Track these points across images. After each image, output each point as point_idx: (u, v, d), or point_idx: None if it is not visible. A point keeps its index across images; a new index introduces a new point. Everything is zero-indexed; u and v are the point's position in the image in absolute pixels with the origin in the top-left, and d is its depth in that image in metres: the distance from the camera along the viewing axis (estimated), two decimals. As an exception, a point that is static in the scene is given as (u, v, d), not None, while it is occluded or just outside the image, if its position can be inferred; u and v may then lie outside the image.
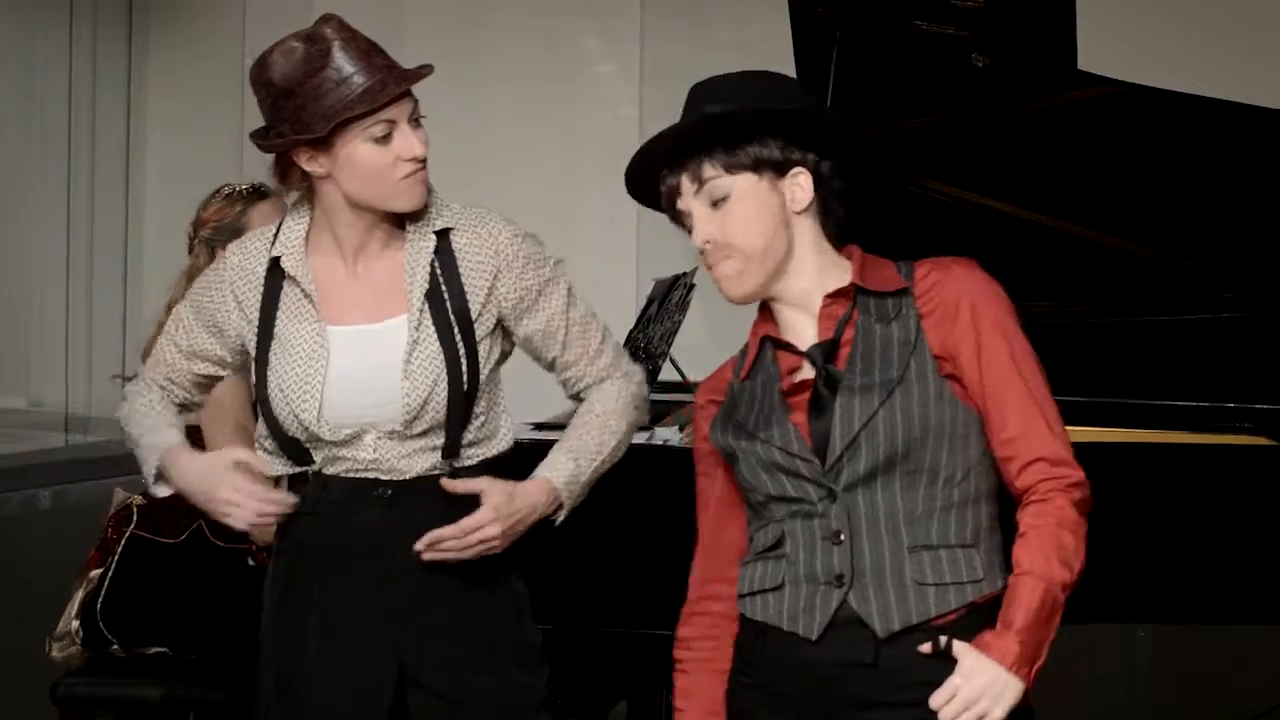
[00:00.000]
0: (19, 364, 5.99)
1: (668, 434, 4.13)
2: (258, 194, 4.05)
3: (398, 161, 2.87)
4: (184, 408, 3.12)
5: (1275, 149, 4.39)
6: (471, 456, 2.96)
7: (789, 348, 2.69)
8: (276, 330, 2.94)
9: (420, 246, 2.95)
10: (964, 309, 2.63)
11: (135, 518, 3.99)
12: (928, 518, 2.60)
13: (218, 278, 3.02)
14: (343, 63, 2.84)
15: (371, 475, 2.93)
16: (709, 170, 2.63)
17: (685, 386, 4.78)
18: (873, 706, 2.59)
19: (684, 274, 4.78)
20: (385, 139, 2.86)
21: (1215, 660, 5.37)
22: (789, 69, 4.68)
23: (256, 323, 2.95)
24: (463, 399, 2.92)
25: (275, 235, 2.98)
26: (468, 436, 2.95)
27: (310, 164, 2.89)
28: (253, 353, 2.96)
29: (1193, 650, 5.44)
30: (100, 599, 3.96)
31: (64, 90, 6.00)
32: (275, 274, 2.96)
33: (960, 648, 2.54)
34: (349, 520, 2.93)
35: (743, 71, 2.71)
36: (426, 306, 2.92)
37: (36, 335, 5.99)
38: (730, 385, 2.74)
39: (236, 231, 3.92)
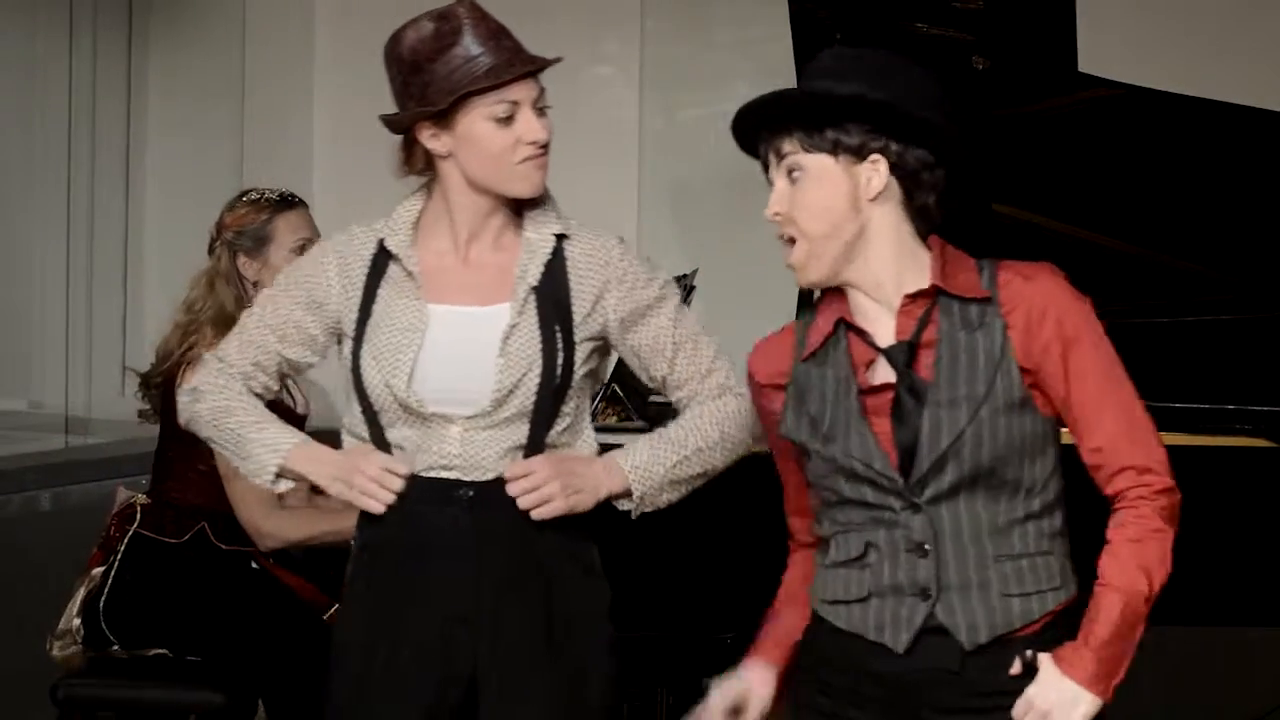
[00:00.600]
0: (19, 365, 5.98)
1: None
2: (285, 203, 4.05)
3: (518, 144, 2.91)
4: (259, 399, 3.09)
5: (1275, 150, 4.40)
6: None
7: (865, 337, 2.67)
8: (375, 308, 2.96)
9: (538, 244, 2.98)
10: (1050, 319, 2.62)
11: (139, 517, 4.00)
12: (1009, 528, 2.62)
13: (321, 253, 3.04)
14: (471, 41, 2.89)
15: (454, 475, 2.92)
16: (788, 146, 2.64)
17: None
18: (957, 713, 2.61)
19: (684, 275, 4.78)
20: (507, 120, 2.90)
21: (1216, 662, 5.37)
22: (789, 71, 4.68)
23: (358, 300, 2.97)
24: (552, 392, 2.93)
25: (385, 224, 3.01)
26: (550, 436, 2.95)
27: (432, 141, 2.92)
28: (350, 330, 2.97)
29: (1193, 651, 5.43)
30: (102, 597, 3.97)
31: (64, 92, 6.00)
32: (381, 256, 2.98)
33: (1042, 660, 2.57)
34: (429, 522, 2.93)
35: (866, 49, 2.70)
36: (532, 298, 2.94)
37: (36, 337, 5.98)
38: (795, 367, 2.72)
39: (260, 238, 3.94)
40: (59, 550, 4.59)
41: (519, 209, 2.99)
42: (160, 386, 4.13)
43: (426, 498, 2.93)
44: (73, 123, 6.03)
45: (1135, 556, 2.59)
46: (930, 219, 2.69)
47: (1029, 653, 2.58)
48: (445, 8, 2.94)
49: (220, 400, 3.03)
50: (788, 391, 2.71)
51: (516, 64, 2.90)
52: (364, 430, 2.97)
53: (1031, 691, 2.55)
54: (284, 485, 3.02)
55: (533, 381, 2.91)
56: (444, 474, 2.93)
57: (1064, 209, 4.49)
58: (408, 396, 2.90)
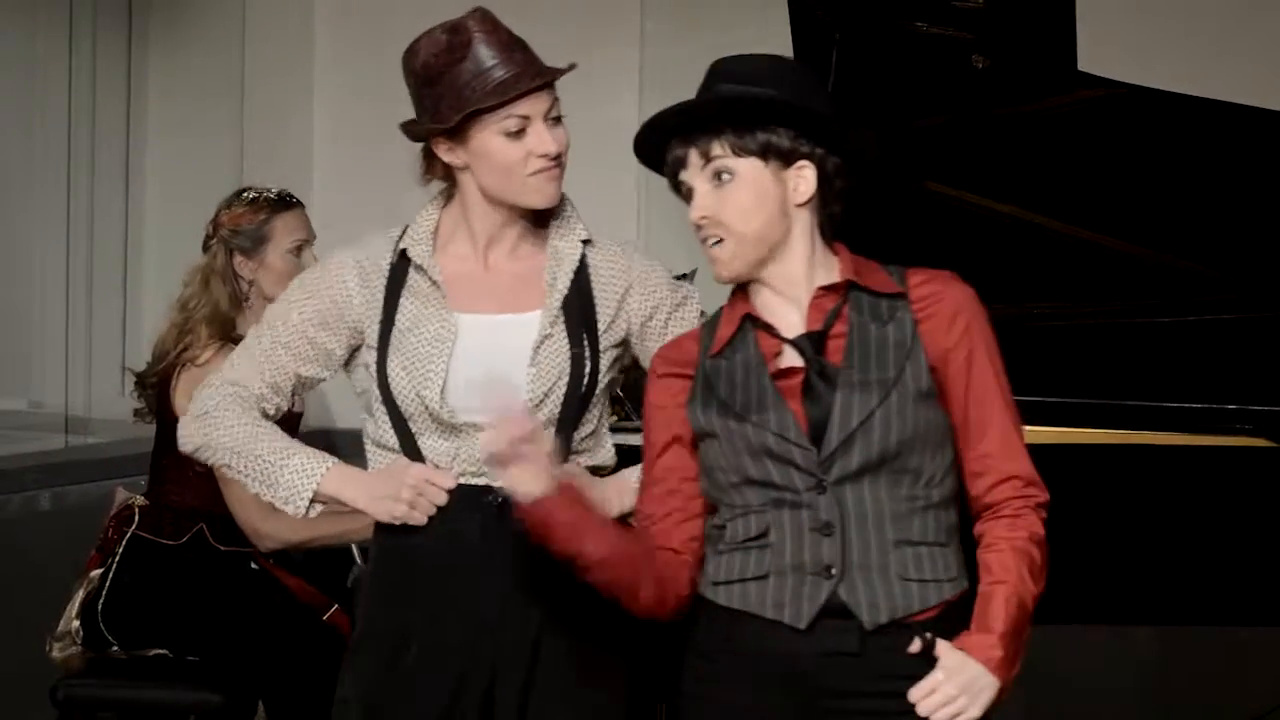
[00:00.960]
0: (19, 365, 5.98)
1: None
2: (283, 203, 4.04)
3: (529, 157, 2.91)
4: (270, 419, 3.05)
5: (1275, 149, 4.40)
6: (578, 464, 2.98)
7: (771, 330, 2.72)
8: (399, 317, 2.94)
9: (566, 252, 2.98)
10: (960, 322, 2.69)
11: (137, 518, 4.00)
12: (910, 516, 2.66)
13: (338, 266, 3.00)
14: (483, 55, 2.90)
15: (483, 481, 2.92)
16: (717, 149, 2.68)
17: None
18: (854, 696, 2.64)
19: (685, 275, 4.78)
20: (519, 134, 2.89)
21: (1215, 662, 5.37)
22: (789, 70, 4.68)
23: (380, 310, 2.95)
24: (579, 400, 2.94)
25: (402, 233, 3.00)
26: (574, 443, 2.96)
27: (448, 155, 2.92)
28: (372, 341, 2.95)
29: (1193, 651, 5.44)
30: (101, 599, 3.96)
31: (63, 92, 6.00)
32: (401, 265, 2.97)
33: (944, 646, 2.61)
34: (456, 528, 2.92)
35: (771, 56, 2.77)
36: (561, 307, 2.94)
37: (36, 337, 5.98)
38: (701, 361, 2.76)
39: (257, 238, 3.93)
40: (59, 550, 4.59)
41: (538, 217, 3.00)
42: (156, 386, 4.13)
43: (456, 504, 2.93)
44: (72, 122, 6.03)
45: (1024, 559, 2.66)
46: (835, 224, 2.78)
47: (928, 635, 2.62)
48: (458, 20, 2.94)
49: (240, 429, 2.97)
50: (695, 381, 2.76)
51: (524, 78, 2.89)
52: (393, 440, 2.95)
53: (938, 675, 2.59)
54: (316, 511, 2.99)
55: (561, 390, 2.93)
56: (474, 480, 2.93)
57: (1064, 208, 4.48)
58: (440, 407, 2.90)
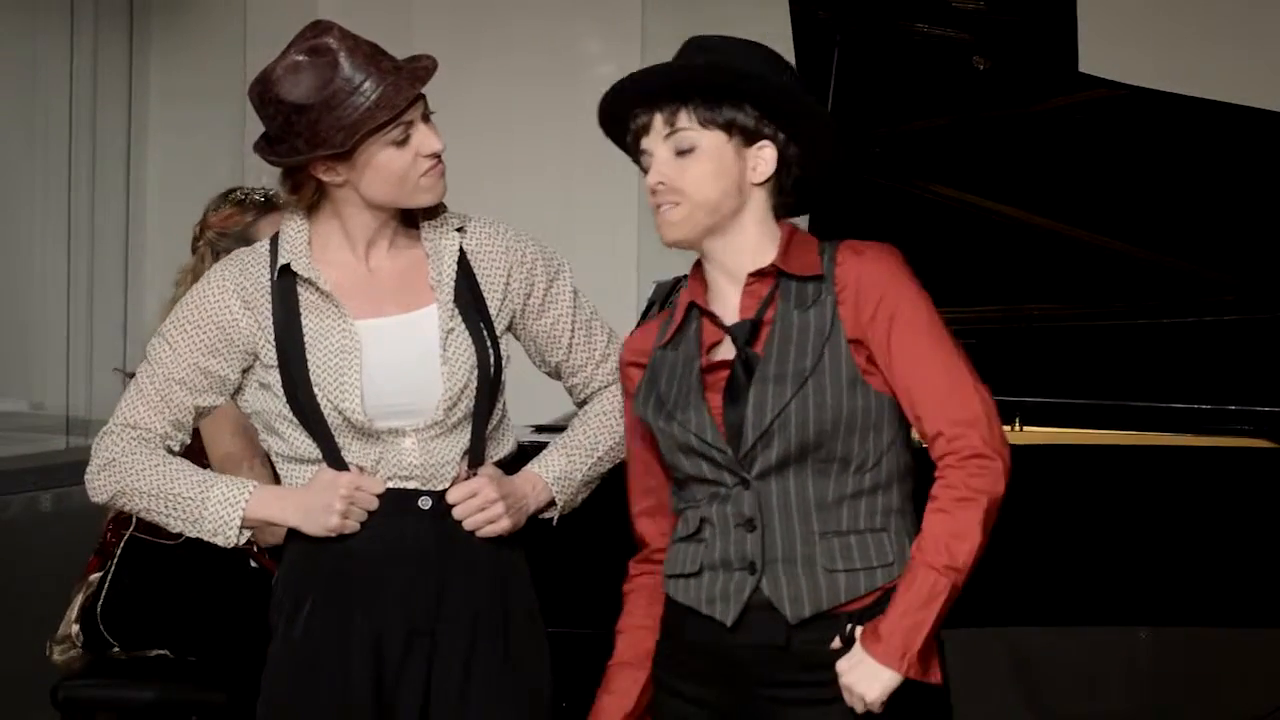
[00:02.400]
0: (20, 367, 5.98)
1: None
2: (270, 205, 4.02)
3: (417, 159, 2.88)
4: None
5: (1275, 150, 4.40)
6: (487, 456, 2.97)
7: (715, 319, 2.74)
8: (298, 333, 2.91)
9: (443, 242, 2.96)
10: (872, 295, 2.68)
11: (134, 520, 3.99)
12: (838, 505, 2.67)
13: (217, 291, 2.94)
14: (352, 72, 2.84)
15: (412, 485, 2.92)
16: (683, 119, 2.69)
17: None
18: (787, 685, 2.66)
19: (685, 276, 4.77)
20: (404, 140, 2.87)
21: (1215, 662, 5.37)
22: (790, 71, 4.68)
23: (271, 329, 2.91)
24: (490, 390, 2.93)
25: (273, 246, 2.96)
26: (485, 434, 2.96)
27: (328, 174, 2.88)
28: (270, 360, 2.91)
29: (1193, 651, 5.43)
30: (100, 602, 3.96)
31: (65, 92, 6.00)
32: (284, 280, 2.93)
33: (858, 635, 2.62)
34: (387, 532, 2.91)
35: (746, 39, 2.80)
36: (453, 299, 2.93)
37: (37, 338, 5.98)
38: (654, 352, 2.80)
39: (244, 239, 3.90)
40: (60, 551, 4.59)
41: (407, 212, 2.97)
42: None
43: (385, 509, 2.91)
44: (74, 124, 6.03)
45: (941, 526, 2.61)
46: (788, 208, 2.78)
47: (849, 627, 2.62)
48: (313, 40, 2.86)
49: (151, 471, 2.92)
50: (645, 373, 2.80)
51: (404, 87, 2.84)
52: (314, 452, 2.91)
53: (840, 665, 2.61)
54: (245, 537, 2.95)
55: (474, 383, 2.92)
56: (404, 484, 2.92)
57: (1065, 210, 4.49)
58: (361, 417, 2.88)
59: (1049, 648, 5.38)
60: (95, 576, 4.02)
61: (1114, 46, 4.94)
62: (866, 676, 2.59)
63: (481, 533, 2.92)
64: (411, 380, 2.90)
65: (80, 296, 6.06)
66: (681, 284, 4.70)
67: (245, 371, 2.95)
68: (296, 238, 2.95)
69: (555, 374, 3.09)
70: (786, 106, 2.72)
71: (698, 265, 2.82)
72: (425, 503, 2.92)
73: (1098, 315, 4.59)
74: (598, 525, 3.28)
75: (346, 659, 2.90)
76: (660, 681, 2.79)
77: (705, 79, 2.70)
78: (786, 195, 2.77)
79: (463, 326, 2.93)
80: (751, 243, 2.74)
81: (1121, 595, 3.91)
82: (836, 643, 2.63)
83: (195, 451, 3.80)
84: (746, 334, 2.70)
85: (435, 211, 2.97)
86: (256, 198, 4.06)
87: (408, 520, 2.91)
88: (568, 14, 6.04)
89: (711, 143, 2.70)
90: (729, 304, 2.75)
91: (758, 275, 2.73)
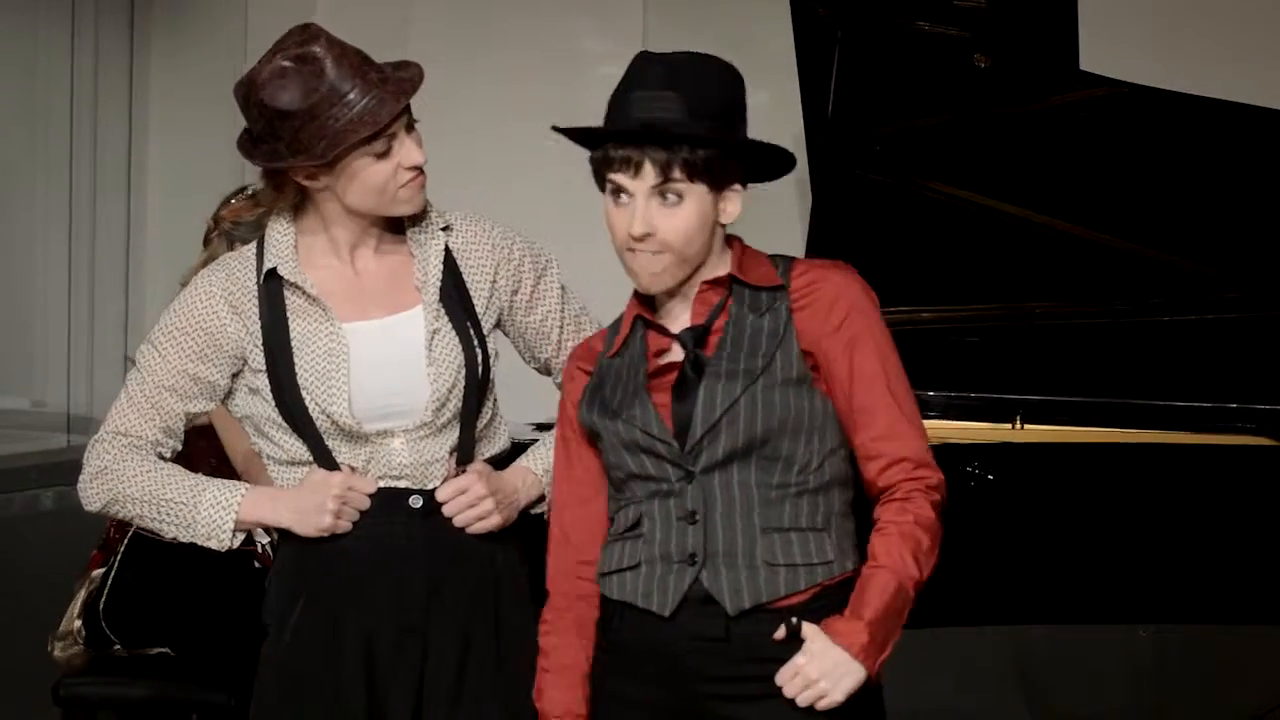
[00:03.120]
0: (21, 364, 5.98)
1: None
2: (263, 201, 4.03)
3: (399, 170, 2.88)
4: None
5: (1275, 149, 4.40)
6: (479, 454, 2.98)
7: (660, 329, 2.77)
8: (285, 337, 2.91)
9: (428, 242, 2.96)
10: (837, 311, 2.72)
11: (136, 518, 3.99)
12: (780, 502, 2.69)
13: (205, 297, 2.95)
14: (338, 81, 2.83)
15: (403, 484, 2.92)
16: (677, 171, 2.69)
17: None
18: (725, 680, 2.67)
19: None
20: (386, 152, 2.86)
21: (1215, 660, 5.37)
22: (790, 69, 4.68)
23: (260, 333, 2.92)
24: (478, 389, 2.94)
25: (259, 250, 2.96)
26: (476, 433, 2.96)
27: (309, 180, 2.88)
28: (259, 365, 2.92)
29: (1193, 650, 5.44)
30: (103, 598, 3.96)
31: (66, 90, 6.00)
32: (271, 284, 2.93)
33: (809, 630, 2.64)
34: (379, 531, 2.91)
35: (691, 56, 2.75)
36: (439, 299, 2.93)
37: (39, 335, 5.98)
38: (599, 359, 2.82)
39: (258, 229, 3.90)
40: (61, 549, 4.59)
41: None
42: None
43: (377, 508, 2.92)
44: (75, 121, 6.03)
45: (909, 543, 2.66)
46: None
47: (793, 620, 2.64)
48: (300, 47, 2.87)
49: (143, 478, 2.93)
50: (590, 380, 2.81)
51: (389, 101, 2.84)
52: (305, 454, 2.92)
53: (800, 659, 2.61)
54: (239, 540, 2.96)
55: (461, 383, 2.92)
56: (395, 483, 2.93)
57: (1066, 207, 4.49)
58: (350, 421, 2.89)
59: (1049, 646, 5.38)
60: (98, 572, 4.02)
61: (1115, 44, 4.94)
62: (838, 672, 2.60)
63: (472, 529, 2.92)
64: (399, 382, 2.91)
65: (81, 294, 6.06)
66: None
67: (235, 376, 2.96)
68: (282, 241, 2.95)
69: (545, 370, 3.09)
70: (764, 157, 2.76)
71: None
72: (416, 501, 2.92)
73: (1099, 313, 4.59)
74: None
75: (338, 658, 2.90)
76: (600, 692, 2.78)
77: (707, 137, 2.68)
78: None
79: (449, 327, 2.93)
80: (708, 265, 2.77)
81: (1122, 593, 3.91)
82: (781, 632, 2.64)
83: (209, 452, 3.81)
84: (695, 338, 2.73)
85: (423, 211, 2.97)
86: (271, 191, 4.06)
87: (399, 519, 2.92)
88: (568, 13, 6.04)
89: (696, 194, 2.71)
90: (676, 317, 2.78)
91: (711, 284, 2.76)
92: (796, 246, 4.86)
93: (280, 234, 2.95)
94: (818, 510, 2.71)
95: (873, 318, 2.75)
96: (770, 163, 2.78)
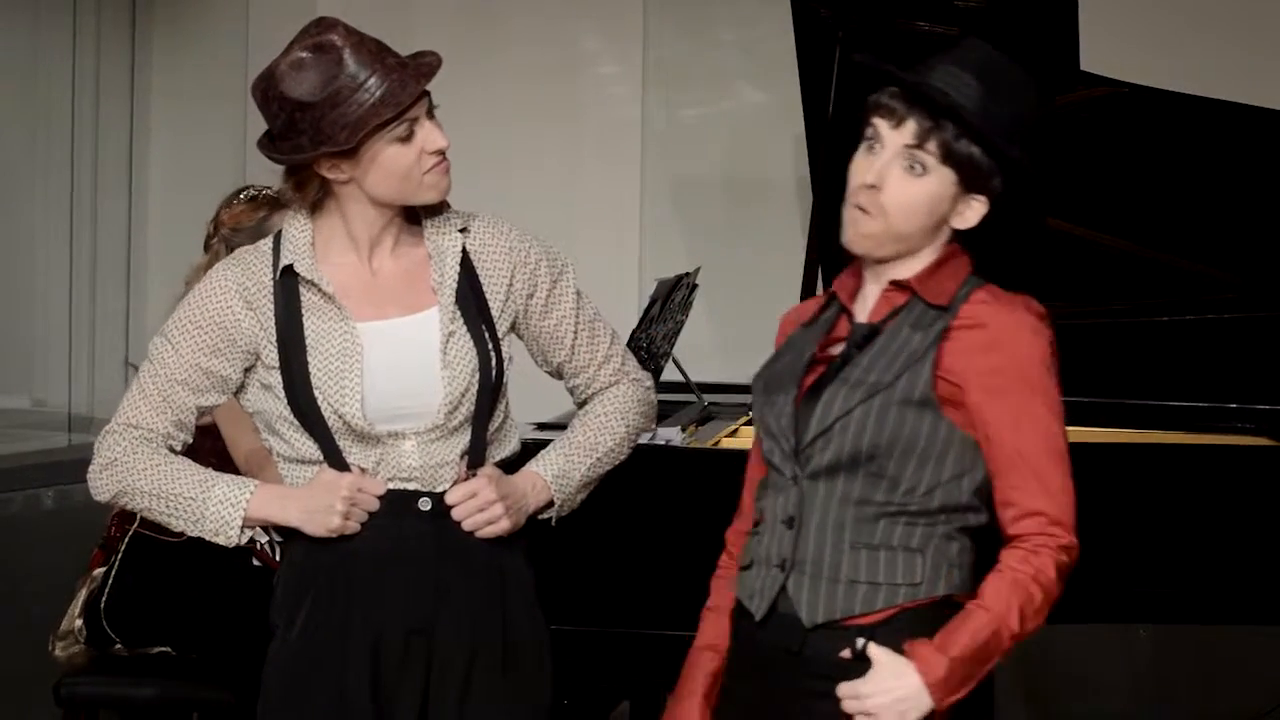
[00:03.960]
0: (22, 363, 5.98)
1: (670, 434, 4.13)
2: (282, 201, 4.03)
3: (422, 156, 2.87)
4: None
5: (1275, 149, 4.40)
6: (489, 457, 2.97)
7: (849, 315, 2.72)
8: (299, 335, 2.90)
9: (446, 243, 2.95)
10: (996, 353, 2.63)
11: (138, 516, 3.99)
12: (876, 520, 2.64)
13: (220, 291, 2.94)
14: (357, 69, 2.83)
15: (412, 487, 2.92)
16: (932, 143, 2.62)
17: (687, 386, 4.79)
18: (795, 696, 2.63)
19: (687, 274, 4.78)
20: (409, 137, 2.86)
21: (1215, 660, 5.37)
22: (791, 69, 4.69)
23: (274, 330, 2.90)
24: (491, 393, 2.93)
25: (276, 245, 2.96)
26: (487, 435, 2.95)
27: (332, 171, 2.87)
28: (272, 361, 2.91)
29: (1193, 650, 5.44)
30: (104, 598, 3.96)
31: (67, 90, 6.00)
32: (287, 281, 2.92)
33: (881, 654, 2.57)
34: (388, 533, 2.90)
35: (1012, 64, 2.68)
36: (455, 301, 2.92)
37: (40, 334, 5.99)
38: (796, 329, 2.78)
39: (258, 235, 3.90)
40: (62, 548, 4.60)
41: (411, 212, 2.96)
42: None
43: (386, 510, 2.91)
44: (76, 120, 6.03)
45: (1020, 594, 2.57)
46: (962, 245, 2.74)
47: (860, 641, 2.58)
48: (317, 37, 2.86)
49: (153, 470, 2.92)
50: (780, 346, 2.79)
51: (409, 83, 2.83)
52: (316, 453, 2.91)
53: (867, 686, 2.55)
54: (247, 537, 2.96)
55: (475, 386, 2.91)
56: (404, 485, 2.92)
57: (1066, 207, 4.49)
58: (362, 422, 2.88)
59: (1049, 646, 5.38)
60: (99, 571, 4.02)
61: (1115, 44, 4.95)
62: (904, 705, 2.54)
63: (481, 533, 2.92)
64: (412, 384, 2.90)
65: (83, 293, 6.06)
66: (685, 279, 4.71)
67: (248, 371, 2.95)
68: (299, 237, 2.94)
69: (557, 374, 3.08)
70: (1026, 180, 2.67)
71: (857, 259, 2.75)
72: (425, 504, 2.91)
73: (1098, 313, 4.59)
74: (599, 522, 3.30)
75: (344, 660, 2.90)
76: (722, 679, 2.77)
77: (965, 119, 2.61)
78: (970, 238, 2.72)
79: (464, 329, 2.92)
80: (917, 262, 2.69)
81: (1121, 593, 3.91)
82: (847, 652, 2.59)
83: (211, 451, 3.81)
84: (862, 336, 2.67)
85: (439, 211, 2.97)
86: (269, 194, 4.06)
87: (408, 521, 2.91)
88: (569, 12, 6.04)
89: (940, 178, 2.63)
90: (865, 305, 2.71)
91: (897, 285, 2.69)
92: (796, 246, 4.87)
93: (298, 230, 2.95)
94: (915, 532, 2.63)
95: (1033, 364, 2.63)
96: (1021, 202, 2.70)
